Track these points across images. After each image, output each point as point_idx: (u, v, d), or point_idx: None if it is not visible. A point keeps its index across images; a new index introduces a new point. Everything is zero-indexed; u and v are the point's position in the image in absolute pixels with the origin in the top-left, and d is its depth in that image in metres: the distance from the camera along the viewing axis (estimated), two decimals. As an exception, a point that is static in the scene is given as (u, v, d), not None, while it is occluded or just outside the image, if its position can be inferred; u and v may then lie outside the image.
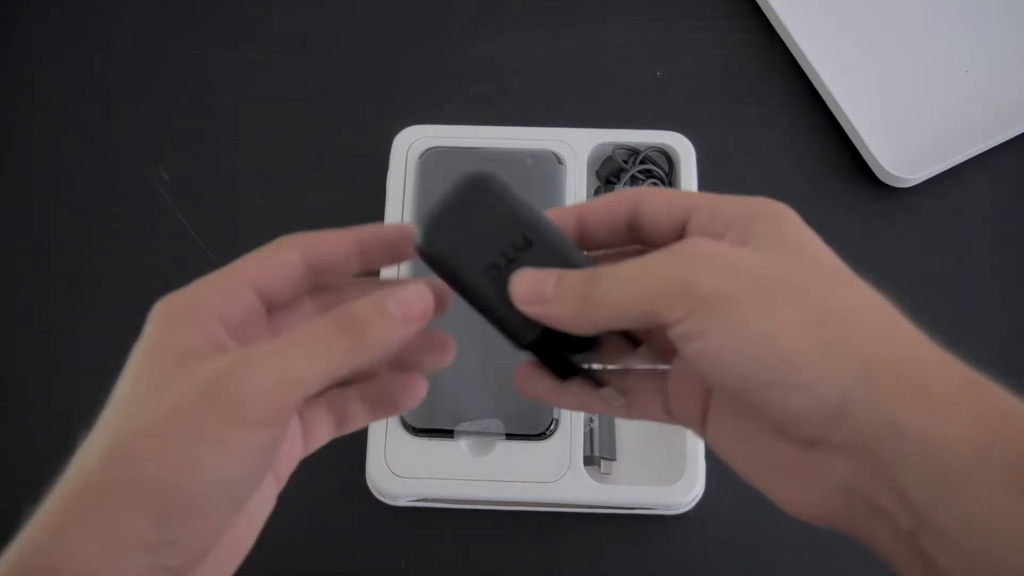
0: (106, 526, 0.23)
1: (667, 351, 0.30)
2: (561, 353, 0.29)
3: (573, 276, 0.26)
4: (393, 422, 0.47)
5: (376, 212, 0.52)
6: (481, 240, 0.28)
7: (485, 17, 0.64)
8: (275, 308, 0.29)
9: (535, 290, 0.27)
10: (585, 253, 0.29)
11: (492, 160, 0.52)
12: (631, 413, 0.31)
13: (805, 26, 0.61)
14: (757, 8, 0.63)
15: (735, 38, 0.63)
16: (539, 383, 0.30)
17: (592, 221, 0.29)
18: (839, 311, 0.24)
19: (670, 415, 0.30)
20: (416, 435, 0.47)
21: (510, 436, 0.47)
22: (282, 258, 0.28)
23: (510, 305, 0.27)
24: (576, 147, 0.54)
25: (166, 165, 0.59)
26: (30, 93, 0.62)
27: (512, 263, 0.27)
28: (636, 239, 0.29)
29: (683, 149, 0.54)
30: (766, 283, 0.24)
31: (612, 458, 0.48)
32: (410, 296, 0.27)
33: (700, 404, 0.29)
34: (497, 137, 0.53)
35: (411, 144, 0.53)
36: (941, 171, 0.57)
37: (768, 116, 0.60)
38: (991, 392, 0.23)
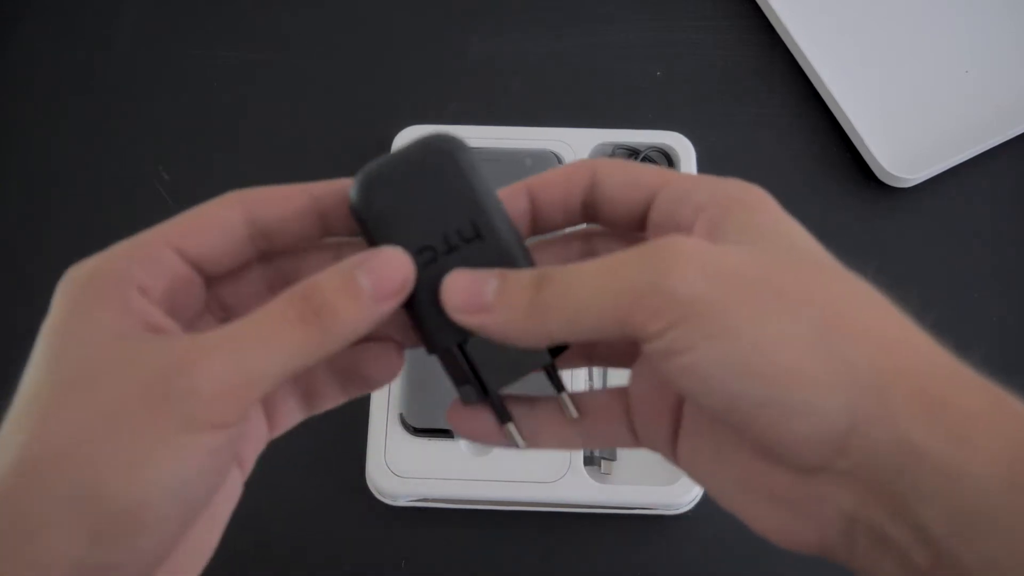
0: (25, 547, 0.19)
1: (617, 358, 0.27)
2: (474, 370, 0.24)
3: (520, 277, 0.23)
4: (393, 422, 0.47)
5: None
6: (425, 214, 0.23)
7: (485, 17, 0.64)
8: (215, 277, 0.24)
9: (472, 296, 0.23)
10: (529, 242, 0.26)
11: (492, 160, 0.52)
12: (589, 441, 0.27)
13: (805, 26, 0.61)
14: (757, 8, 0.63)
15: (735, 38, 0.63)
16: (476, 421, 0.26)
17: (545, 199, 0.25)
18: (840, 316, 0.21)
19: (636, 438, 0.26)
20: (416, 435, 0.47)
21: (510, 436, 0.47)
22: (216, 217, 0.24)
23: (433, 301, 0.23)
24: (576, 147, 0.54)
25: (166, 165, 0.59)
26: (30, 93, 0.62)
27: (452, 252, 0.23)
28: (592, 218, 0.26)
29: (683, 149, 0.54)
30: (756, 286, 0.21)
31: (612, 458, 0.48)
32: (386, 264, 0.22)
33: (670, 424, 0.25)
34: (497, 137, 0.53)
35: (411, 144, 0.53)
36: (941, 171, 0.57)
37: (768, 116, 0.60)
38: (1020, 411, 0.20)
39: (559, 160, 0.53)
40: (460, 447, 0.47)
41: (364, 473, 0.48)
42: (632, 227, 0.25)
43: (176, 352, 0.21)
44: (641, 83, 0.61)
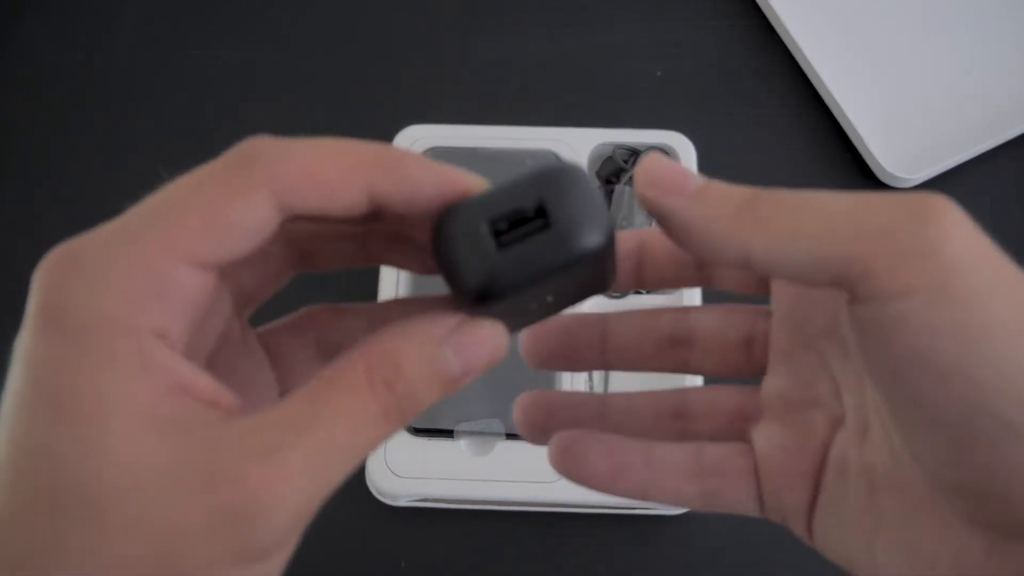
0: None
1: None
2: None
3: (733, 186, 0.19)
4: (393, 422, 0.47)
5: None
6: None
7: (485, 17, 0.64)
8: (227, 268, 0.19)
9: (676, 175, 0.19)
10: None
11: (492, 160, 0.52)
12: (709, 501, 0.22)
13: (805, 26, 0.61)
14: (757, 8, 0.63)
15: (735, 38, 0.63)
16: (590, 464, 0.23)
17: (659, 254, 0.22)
18: None
19: (763, 506, 0.22)
20: (416, 435, 0.47)
21: (510, 436, 0.47)
22: (241, 209, 0.18)
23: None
24: (576, 147, 0.53)
25: (166, 165, 0.59)
26: (30, 93, 0.62)
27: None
28: (710, 283, 0.22)
29: (683, 149, 0.54)
30: (1013, 278, 0.17)
31: (612, 458, 0.48)
32: (480, 342, 0.19)
33: (805, 491, 0.21)
34: (497, 137, 0.53)
35: (411, 144, 0.53)
36: (941, 171, 0.57)
37: (768, 116, 0.60)
38: None
39: (559, 160, 0.53)
40: (460, 447, 0.47)
41: (364, 473, 0.48)
42: (758, 290, 0.22)
43: (234, 458, 0.16)
44: (641, 83, 0.61)
